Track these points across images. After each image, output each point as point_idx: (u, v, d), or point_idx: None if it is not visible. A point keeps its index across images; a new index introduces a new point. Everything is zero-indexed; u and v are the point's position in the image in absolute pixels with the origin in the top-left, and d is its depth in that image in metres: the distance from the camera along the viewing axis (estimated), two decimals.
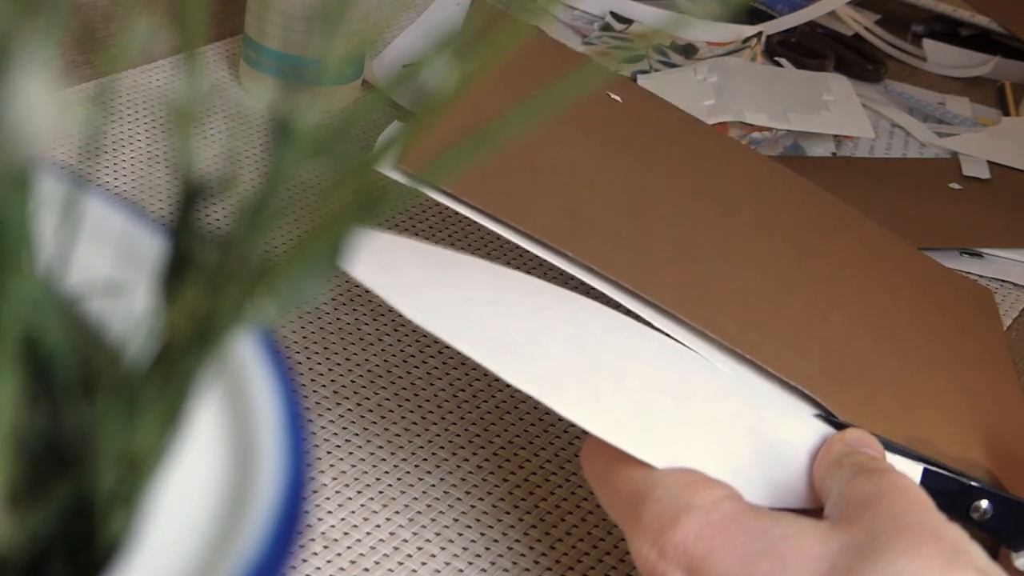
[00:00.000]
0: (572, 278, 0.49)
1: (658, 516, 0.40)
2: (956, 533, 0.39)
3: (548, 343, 0.44)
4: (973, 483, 0.47)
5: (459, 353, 0.58)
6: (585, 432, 0.56)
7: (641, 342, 0.47)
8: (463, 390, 0.56)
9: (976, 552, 0.38)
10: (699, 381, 0.47)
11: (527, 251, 0.49)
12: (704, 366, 0.47)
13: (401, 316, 0.60)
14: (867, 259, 0.62)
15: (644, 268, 0.50)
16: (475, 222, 0.49)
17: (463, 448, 0.53)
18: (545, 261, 0.49)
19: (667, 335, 0.48)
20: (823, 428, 0.47)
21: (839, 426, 0.47)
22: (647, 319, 0.48)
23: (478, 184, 0.49)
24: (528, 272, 0.49)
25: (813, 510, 0.43)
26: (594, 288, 0.48)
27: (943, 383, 0.55)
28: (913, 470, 0.47)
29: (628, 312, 0.48)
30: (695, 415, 0.44)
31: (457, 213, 0.49)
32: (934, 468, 0.47)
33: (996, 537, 0.46)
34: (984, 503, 0.47)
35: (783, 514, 0.41)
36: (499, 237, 0.50)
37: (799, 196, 0.63)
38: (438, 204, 0.50)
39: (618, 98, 0.62)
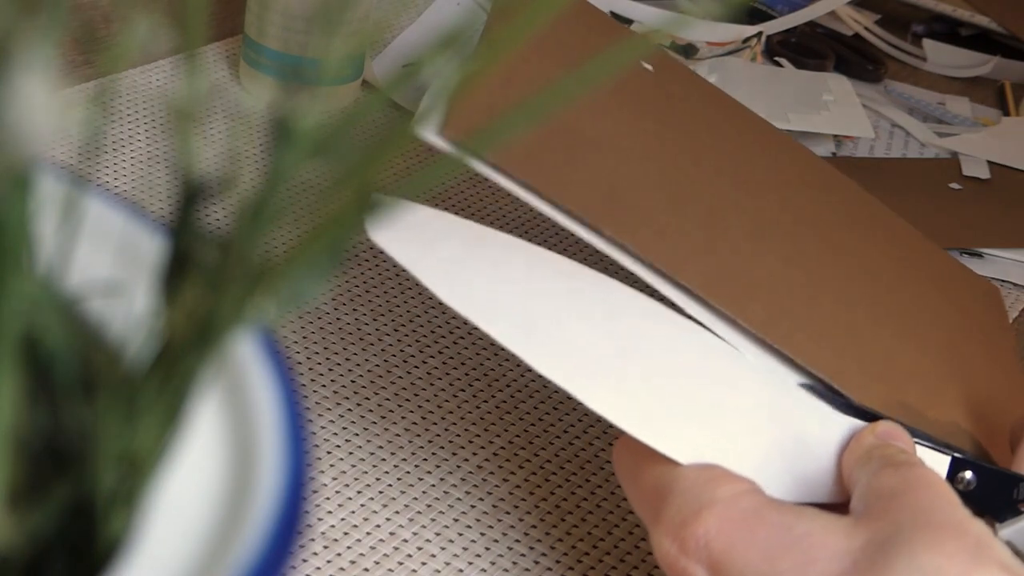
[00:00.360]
0: (604, 257, 0.48)
1: (679, 510, 0.40)
2: (980, 528, 0.39)
3: (578, 330, 0.43)
4: (956, 454, 0.47)
5: (460, 352, 0.58)
6: (586, 432, 0.56)
7: (671, 330, 0.47)
8: (463, 390, 0.56)
9: (1000, 548, 0.38)
10: (727, 372, 0.46)
11: (561, 227, 0.49)
12: (732, 356, 0.47)
13: (401, 316, 0.60)
14: (889, 251, 0.62)
15: (676, 251, 0.49)
16: (511, 195, 0.49)
17: (463, 448, 0.53)
18: (578, 238, 0.48)
19: (696, 321, 0.47)
20: (849, 422, 0.46)
21: (863, 417, 0.47)
22: (677, 302, 0.47)
23: (517, 156, 0.48)
24: (562, 249, 0.49)
25: (838, 505, 0.43)
26: (625, 268, 0.48)
27: (951, 370, 0.55)
28: (941, 464, 0.47)
29: (657, 295, 0.48)
30: (721, 408, 0.44)
31: (493, 185, 0.48)
32: (918, 440, 0.47)
33: (979, 508, 0.45)
34: (968, 474, 0.47)
35: (805, 509, 0.40)
36: (531, 210, 0.50)
37: (824, 183, 0.63)
38: (474, 176, 0.50)
39: (649, 67, 0.62)
